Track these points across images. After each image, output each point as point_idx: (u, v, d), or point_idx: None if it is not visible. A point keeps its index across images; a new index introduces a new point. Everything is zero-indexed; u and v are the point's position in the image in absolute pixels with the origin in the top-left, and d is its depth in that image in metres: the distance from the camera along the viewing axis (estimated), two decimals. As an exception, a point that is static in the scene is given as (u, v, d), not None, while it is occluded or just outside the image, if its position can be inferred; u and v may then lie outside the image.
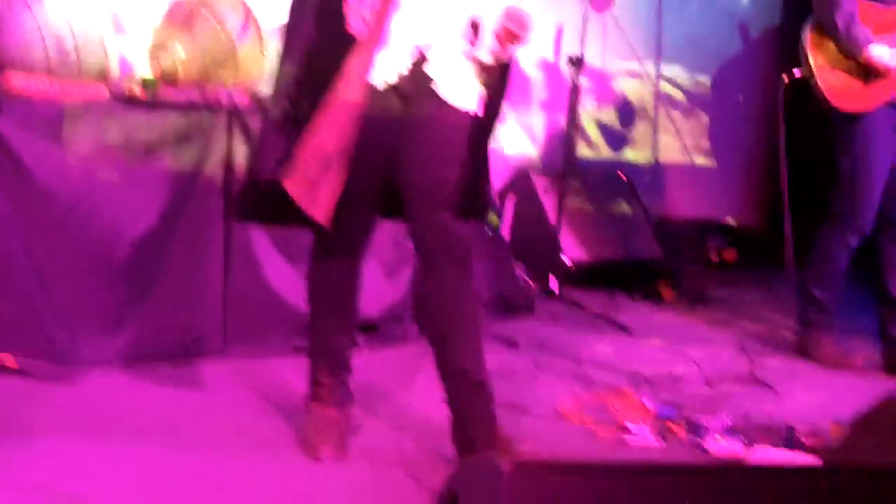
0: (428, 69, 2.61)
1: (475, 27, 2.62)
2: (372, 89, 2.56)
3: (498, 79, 2.67)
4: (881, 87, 4.04)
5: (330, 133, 2.52)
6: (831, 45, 4.03)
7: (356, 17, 2.54)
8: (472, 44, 2.63)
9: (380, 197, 2.71)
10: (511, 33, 2.54)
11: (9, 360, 3.08)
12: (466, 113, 2.64)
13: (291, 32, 2.66)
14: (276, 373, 3.38)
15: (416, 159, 2.62)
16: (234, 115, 3.49)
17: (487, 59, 2.61)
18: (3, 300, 3.12)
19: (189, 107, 3.45)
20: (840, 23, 3.95)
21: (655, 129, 6.25)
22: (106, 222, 3.29)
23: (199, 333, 3.46)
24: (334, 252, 2.77)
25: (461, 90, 2.64)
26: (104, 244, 3.29)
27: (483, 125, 2.68)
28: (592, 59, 5.59)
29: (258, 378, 3.34)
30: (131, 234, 3.33)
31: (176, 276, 3.41)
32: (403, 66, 2.60)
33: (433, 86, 2.62)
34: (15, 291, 3.13)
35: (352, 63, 2.53)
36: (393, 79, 2.59)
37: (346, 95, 2.53)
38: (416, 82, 2.61)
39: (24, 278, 3.15)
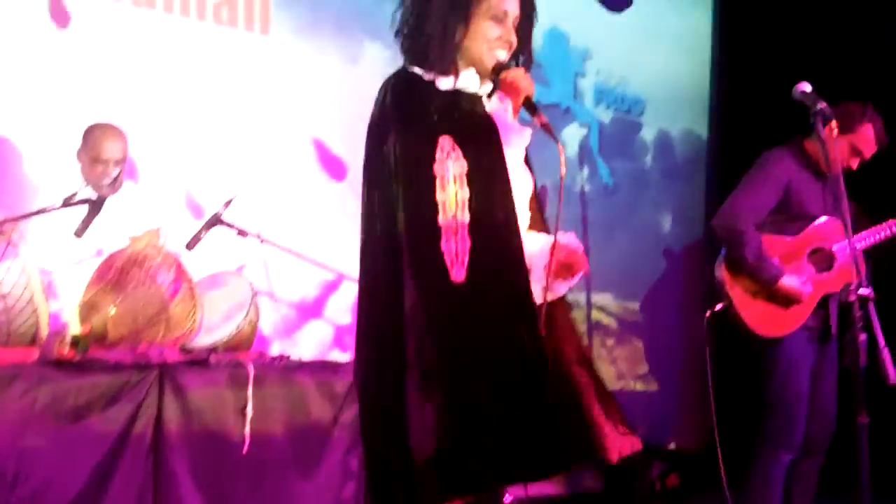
0: None
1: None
2: None
3: None
4: (796, 311, 4.30)
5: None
6: (747, 279, 4.27)
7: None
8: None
9: None
10: (566, 268, 2.64)
11: None
12: None
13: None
14: None
15: None
16: (165, 371, 3.47)
17: (542, 298, 2.61)
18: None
19: (119, 366, 3.42)
20: (750, 258, 4.21)
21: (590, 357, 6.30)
22: (34, 491, 3.19)
23: None
24: None
25: None
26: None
27: None
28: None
29: None
30: (62, 502, 3.24)
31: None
32: None
33: None
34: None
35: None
36: None
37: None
38: None
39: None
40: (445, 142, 2.53)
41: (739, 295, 4.31)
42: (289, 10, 5.21)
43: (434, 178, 2.50)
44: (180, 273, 3.71)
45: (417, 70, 2.67)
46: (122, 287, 3.60)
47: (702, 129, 7.00)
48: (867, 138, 4.35)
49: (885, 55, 5.57)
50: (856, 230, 4.33)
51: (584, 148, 6.43)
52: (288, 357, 4.02)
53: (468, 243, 2.49)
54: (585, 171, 6.43)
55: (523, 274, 2.57)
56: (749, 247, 4.25)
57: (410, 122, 2.57)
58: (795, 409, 4.26)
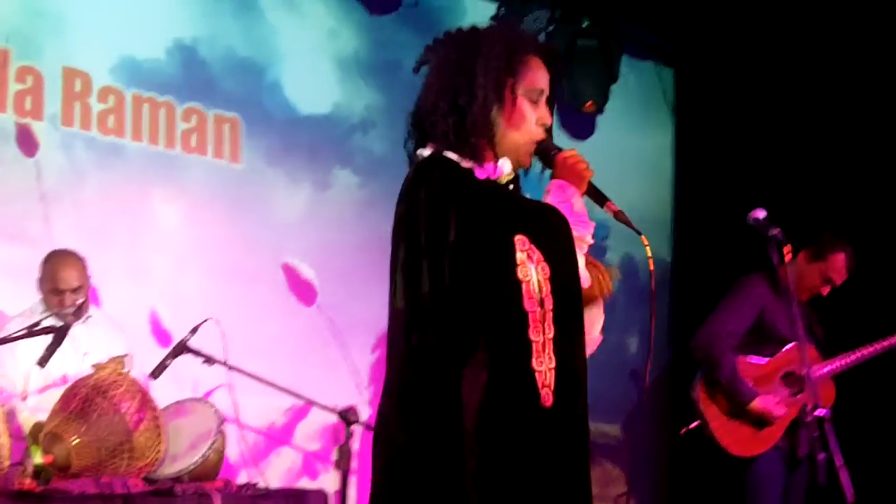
0: None
1: None
2: None
3: None
4: (768, 432, 4.46)
5: None
6: (722, 399, 4.40)
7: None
8: None
9: None
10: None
11: None
12: None
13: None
14: None
15: None
16: (130, 502, 3.41)
17: None
18: None
19: (83, 497, 3.36)
20: (724, 380, 4.34)
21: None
22: None
23: None
24: None
25: None
26: None
27: None
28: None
29: None
30: None
31: None
32: None
33: None
34: None
35: None
36: None
37: None
38: None
39: None
40: (522, 242, 2.25)
41: (714, 414, 4.49)
42: (260, 138, 5.28)
43: (519, 284, 2.21)
44: (145, 402, 3.67)
45: (452, 156, 2.38)
46: (85, 416, 3.56)
47: (665, 252, 7.08)
48: (838, 267, 4.51)
49: (842, 178, 5.70)
50: (827, 354, 4.47)
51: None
52: (255, 485, 3.96)
53: (554, 362, 2.23)
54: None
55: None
56: (724, 369, 4.41)
57: (472, 214, 2.25)
58: None
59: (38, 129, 4.66)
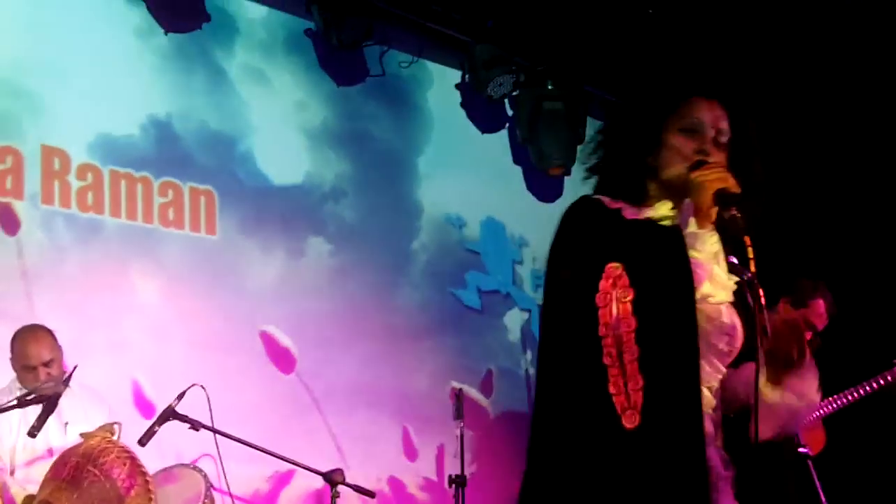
0: None
1: None
2: None
3: None
4: None
5: None
6: None
7: None
8: None
9: None
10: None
11: None
12: None
13: None
14: None
15: None
16: (123, 568, 3.44)
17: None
18: None
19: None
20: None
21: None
22: None
23: None
24: None
25: None
26: None
27: None
28: (473, 473, 5.72)
29: None
30: None
31: None
32: None
33: None
34: None
35: None
36: None
37: None
38: None
39: None
40: (613, 270, 2.19)
41: None
42: (234, 210, 5.38)
43: (597, 309, 2.18)
44: (135, 467, 3.71)
45: (603, 198, 2.37)
46: (77, 484, 3.60)
47: (636, 307, 7.21)
48: (819, 313, 4.58)
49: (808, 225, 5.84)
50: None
51: (525, 333, 6.58)
52: (244, 549, 3.99)
53: (640, 382, 2.16)
54: (529, 354, 6.56)
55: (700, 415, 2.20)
56: None
57: (580, 253, 2.26)
58: None
59: (19, 207, 4.75)
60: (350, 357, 5.66)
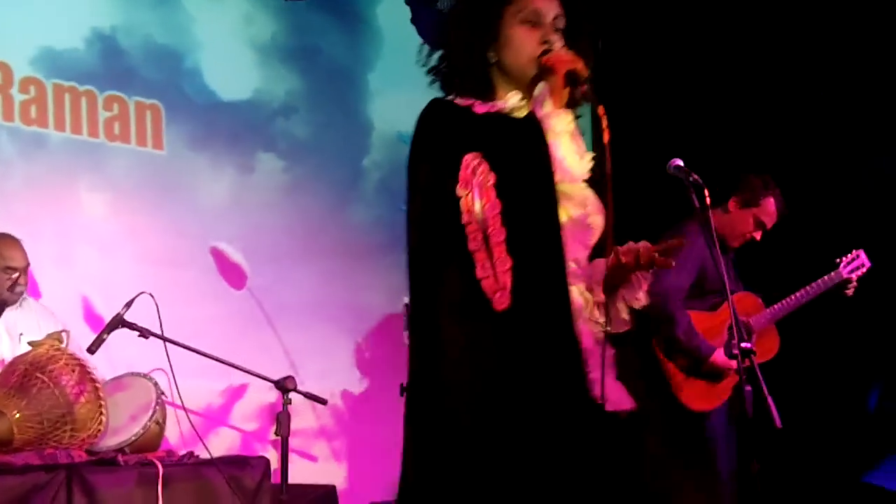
0: None
1: None
2: None
3: None
4: (724, 385, 4.48)
5: None
6: (679, 356, 4.43)
7: None
8: None
9: None
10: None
11: None
12: None
13: None
14: None
15: None
16: (74, 472, 3.44)
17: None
18: None
19: (27, 469, 3.39)
20: (683, 337, 4.35)
21: None
22: None
23: None
24: None
25: None
26: None
27: None
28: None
29: None
30: None
31: None
32: None
33: None
34: None
35: None
36: None
37: None
38: None
39: None
40: (471, 159, 2.25)
41: (672, 371, 4.46)
42: (181, 125, 5.33)
43: (458, 199, 2.23)
44: (84, 374, 3.70)
45: (455, 99, 2.42)
46: (25, 391, 3.58)
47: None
48: (770, 211, 4.56)
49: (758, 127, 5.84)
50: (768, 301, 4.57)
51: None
52: (197, 455, 4.01)
53: (508, 263, 2.20)
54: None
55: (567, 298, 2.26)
56: (680, 326, 4.41)
57: (435, 150, 2.33)
58: (720, 477, 4.42)
59: (-38, 117, 4.68)
60: (302, 273, 5.66)
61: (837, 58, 5.73)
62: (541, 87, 2.36)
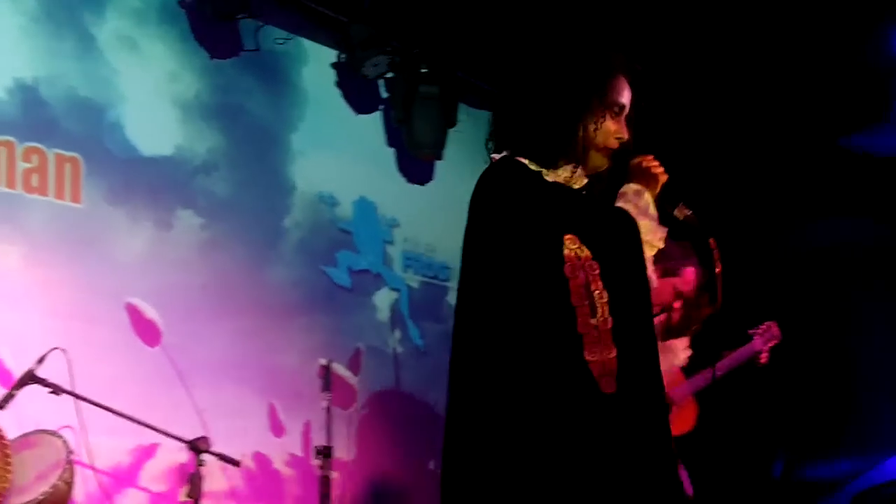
0: None
1: None
2: None
3: None
4: None
5: None
6: None
7: None
8: None
9: None
10: None
11: None
12: None
13: None
14: None
15: None
16: (-23, 532, 3.36)
17: None
18: None
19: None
20: None
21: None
22: None
23: None
24: None
25: None
26: None
27: None
28: (341, 452, 5.74)
29: None
30: None
31: None
32: None
33: None
34: None
35: None
36: None
37: None
38: None
39: None
40: (572, 241, 2.35)
41: None
42: (100, 179, 5.27)
43: (567, 280, 2.31)
44: (-8, 431, 3.63)
45: (524, 161, 2.50)
46: (-71, 447, 3.50)
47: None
48: (688, 280, 4.48)
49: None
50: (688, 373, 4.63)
51: (395, 312, 6.63)
52: (105, 516, 3.93)
53: (613, 350, 2.30)
54: (397, 333, 6.61)
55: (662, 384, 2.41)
56: None
57: (528, 217, 2.38)
58: None
59: None
60: (218, 332, 5.62)
61: (762, 126, 5.90)
62: (634, 188, 2.53)
